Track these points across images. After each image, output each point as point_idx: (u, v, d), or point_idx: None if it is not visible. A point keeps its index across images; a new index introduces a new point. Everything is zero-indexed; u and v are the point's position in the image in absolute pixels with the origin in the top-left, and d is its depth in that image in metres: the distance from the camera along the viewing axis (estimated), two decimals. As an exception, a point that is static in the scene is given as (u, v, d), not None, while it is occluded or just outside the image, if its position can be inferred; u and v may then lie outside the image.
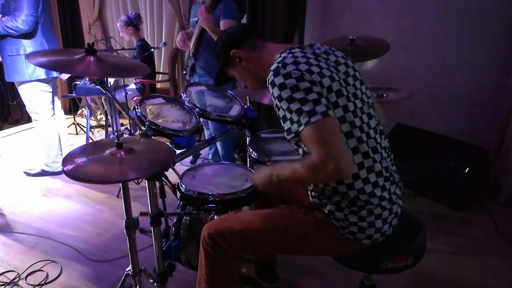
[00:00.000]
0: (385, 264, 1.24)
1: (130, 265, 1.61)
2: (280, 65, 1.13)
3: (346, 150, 1.09)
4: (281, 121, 1.15)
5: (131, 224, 1.55)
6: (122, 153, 1.32)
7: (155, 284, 1.64)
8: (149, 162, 1.33)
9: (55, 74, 2.98)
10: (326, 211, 1.22)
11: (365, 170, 1.16)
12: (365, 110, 1.20)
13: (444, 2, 2.89)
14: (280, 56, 1.21)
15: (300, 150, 1.23)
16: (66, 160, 1.26)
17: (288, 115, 1.09)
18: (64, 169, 1.20)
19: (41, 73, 2.88)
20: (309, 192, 1.33)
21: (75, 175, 1.19)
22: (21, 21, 2.67)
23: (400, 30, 3.05)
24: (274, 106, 1.16)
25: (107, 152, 1.32)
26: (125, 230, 1.55)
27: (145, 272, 1.64)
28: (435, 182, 2.69)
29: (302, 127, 1.06)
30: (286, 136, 1.15)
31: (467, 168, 2.52)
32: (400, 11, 3.06)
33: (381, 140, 1.24)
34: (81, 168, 1.23)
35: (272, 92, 1.12)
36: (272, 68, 1.15)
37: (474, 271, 2.04)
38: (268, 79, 1.14)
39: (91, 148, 1.40)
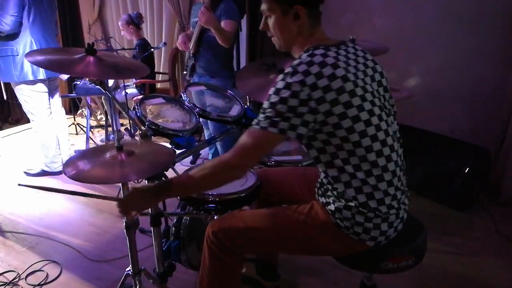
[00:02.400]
0: (386, 264, 1.24)
1: (130, 265, 1.60)
2: (298, 68, 1.11)
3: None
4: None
5: (131, 224, 1.54)
6: (123, 155, 1.32)
7: (155, 284, 1.64)
8: (149, 164, 1.33)
9: (42, 76, 2.90)
10: (333, 208, 1.21)
11: (374, 178, 1.16)
12: (383, 117, 1.19)
13: (444, 2, 2.88)
14: (310, 52, 1.16)
15: (313, 151, 1.21)
16: (67, 165, 1.26)
17: (262, 110, 1.13)
18: (66, 174, 1.21)
19: (28, 74, 2.83)
20: (316, 190, 1.33)
21: (77, 179, 1.20)
22: (3, 21, 2.64)
23: (400, 30, 3.05)
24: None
25: (108, 155, 1.32)
26: (125, 230, 1.54)
27: (145, 272, 1.63)
28: (435, 182, 2.69)
29: (257, 127, 1.12)
30: None
31: (467, 168, 2.52)
32: (400, 10, 3.06)
33: (398, 148, 1.23)
34: (82, 172, 1.23)
35: (277, 80, 1.14)
36: (296, 61, 1.14)
37: (474, 271, 2.04)
38: (286, 70, 1.14)
39: (91, 152, 1.40)
